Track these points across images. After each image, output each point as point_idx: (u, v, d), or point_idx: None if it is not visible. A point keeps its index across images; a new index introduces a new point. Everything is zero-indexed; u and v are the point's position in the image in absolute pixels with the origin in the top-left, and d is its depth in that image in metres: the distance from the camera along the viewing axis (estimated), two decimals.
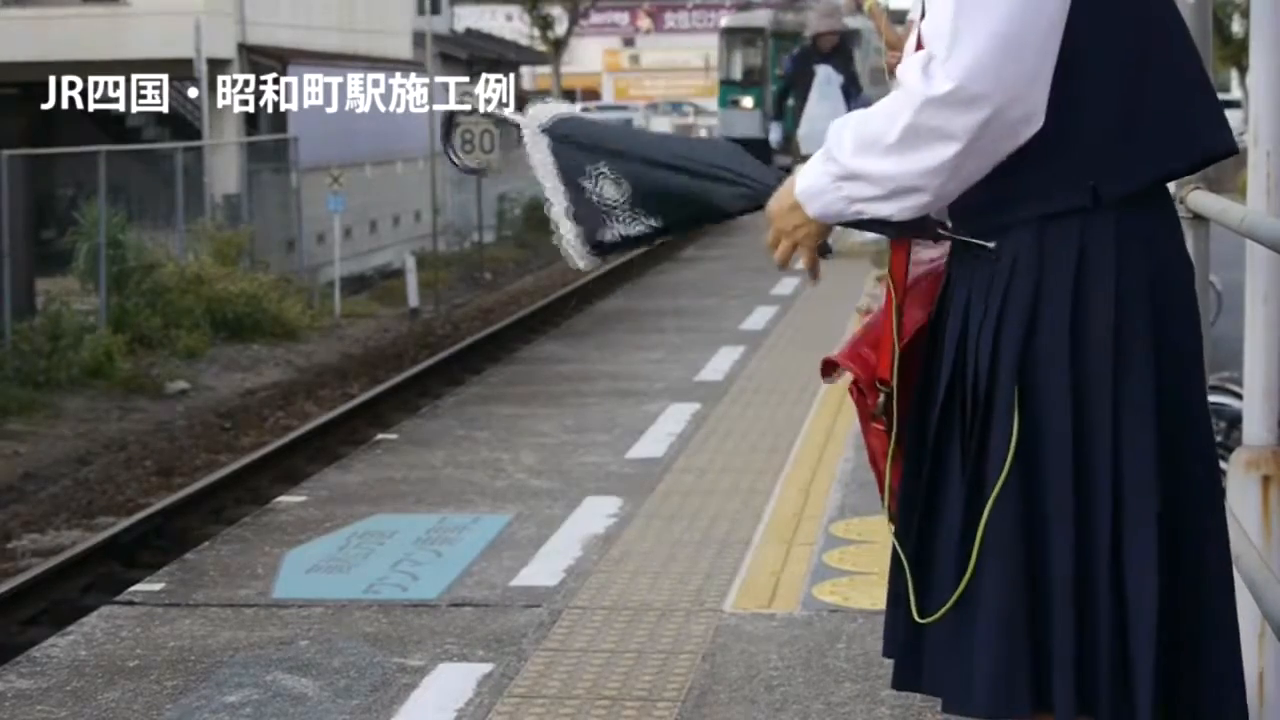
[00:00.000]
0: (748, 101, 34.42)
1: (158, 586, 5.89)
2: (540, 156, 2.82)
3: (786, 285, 14.94)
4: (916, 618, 2.66)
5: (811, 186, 2.64)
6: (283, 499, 7.40)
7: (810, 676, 4.72)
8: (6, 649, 8.05)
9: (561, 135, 2.82)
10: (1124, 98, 2.56)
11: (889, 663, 2.79)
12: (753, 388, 9.72)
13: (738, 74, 35.51)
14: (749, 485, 7.18)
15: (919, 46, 2.65)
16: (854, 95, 16.50)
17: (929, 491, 2.68)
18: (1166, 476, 2.56)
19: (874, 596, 5.43)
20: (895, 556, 2.74)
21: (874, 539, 6.19)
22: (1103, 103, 2.56)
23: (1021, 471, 2.58)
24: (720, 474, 7.43)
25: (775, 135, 18.11)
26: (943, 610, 2.63)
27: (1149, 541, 2.54)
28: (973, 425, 2.63)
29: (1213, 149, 2.65)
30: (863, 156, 2.56)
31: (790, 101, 17.74)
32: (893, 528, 2.74)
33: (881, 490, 2.80)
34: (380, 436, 9.08)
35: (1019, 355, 2.59)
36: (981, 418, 2.61)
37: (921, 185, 2.54)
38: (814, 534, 6.33)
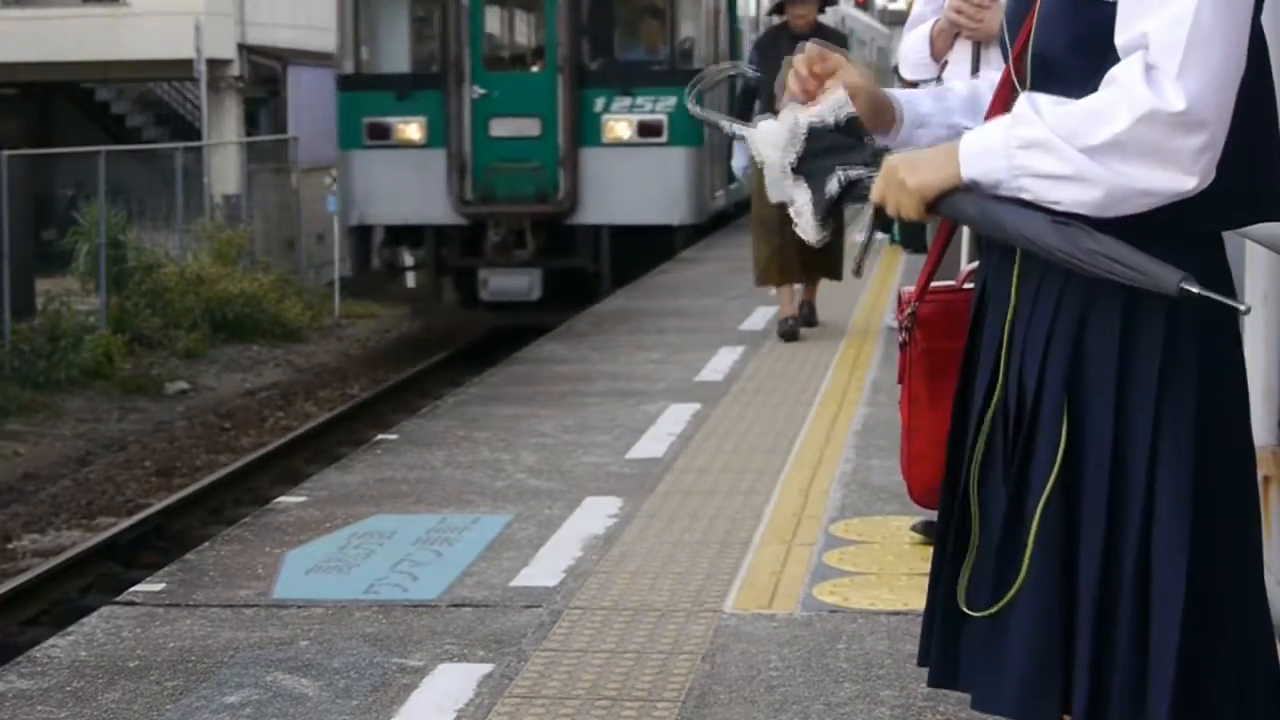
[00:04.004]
0: (414, 130, 17.50)
1: (158, 587, 5.88)
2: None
3: None
4: (964, 609, 2.65)
5: (985, 145, 2.46)
6: (283, 499, 7.39)
7: (810, 677, 4.71)
8: (7, 649, 8.06)
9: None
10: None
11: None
12: (753, 388, 9.71)
13: (401, 61, 17.95)
14: (749, 485, 7.18)
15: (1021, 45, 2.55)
16: None
17: (968, 487, 2.68)
18: (1201, 501, 2.54)
19: (874, 597, 5.44)
20: (939, 552, 2.75)
21: (874, 539, 6.20)
22: None
23: (1065, 484, 2.56)
24: (720, 474, 7.42)
25: (740, 161, 11.93)
26: (989, 611, 2.62)
27: (1179, 566, 2.52)
28: (1018, 427, 2.60)
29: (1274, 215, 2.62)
30: (1062, 135, 2.38)
31: (758, 109, 10.67)
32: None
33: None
34: (380, 437, 9.07)
35: (1069, 363, 2.56)
36: (1029, 421, 2.59)
37: (1111, 195, 2.39)
38: (814, 534, 6.33)
